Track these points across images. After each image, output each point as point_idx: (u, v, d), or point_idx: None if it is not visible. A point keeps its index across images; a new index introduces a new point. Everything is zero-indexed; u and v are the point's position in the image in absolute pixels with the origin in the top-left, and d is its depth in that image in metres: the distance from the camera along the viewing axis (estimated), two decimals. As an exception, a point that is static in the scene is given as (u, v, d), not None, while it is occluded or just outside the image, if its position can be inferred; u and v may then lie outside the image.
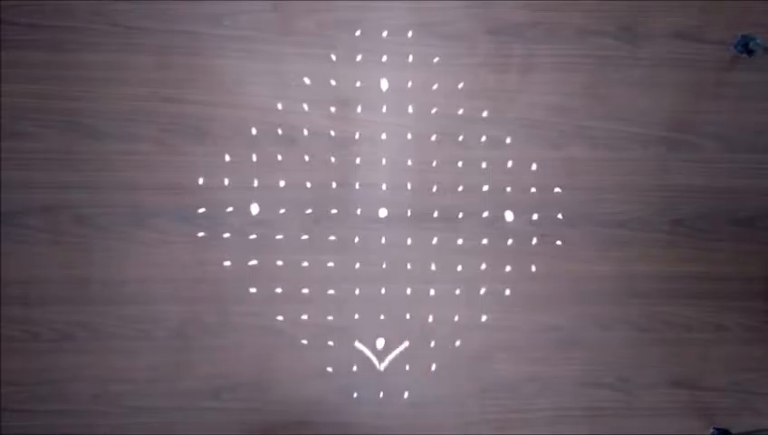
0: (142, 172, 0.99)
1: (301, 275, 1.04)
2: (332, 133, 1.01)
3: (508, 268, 1.06)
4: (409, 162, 1.02)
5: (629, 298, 1.08)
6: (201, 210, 1.01)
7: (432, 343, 1.07)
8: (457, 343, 1.07)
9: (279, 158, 1.00)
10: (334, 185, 1.02)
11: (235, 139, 0.99)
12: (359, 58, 0.99)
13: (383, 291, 1.05)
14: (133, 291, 1.01)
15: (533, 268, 1.06)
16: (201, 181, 1.00)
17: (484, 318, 1.07)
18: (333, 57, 0.98)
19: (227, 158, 1.00)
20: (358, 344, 1.06)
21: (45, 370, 1.03)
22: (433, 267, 1.05)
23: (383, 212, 1.03)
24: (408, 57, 0.99)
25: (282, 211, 1.02)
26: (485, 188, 1.04)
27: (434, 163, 1.02)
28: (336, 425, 1.07)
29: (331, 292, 1.05)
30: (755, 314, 1.10)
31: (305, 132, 1.00)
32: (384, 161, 1.02)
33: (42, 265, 1.00)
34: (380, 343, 1.06)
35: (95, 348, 1.02)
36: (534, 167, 1.04)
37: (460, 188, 1.03)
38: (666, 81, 1.02)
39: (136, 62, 0.96)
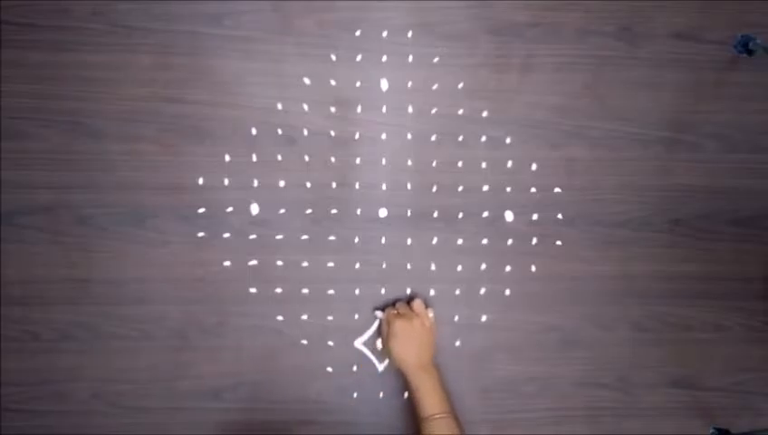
0: (142, 172, 0.99)
1: (301, 275, 1.04)
2: (332, 133, 1.01)
3: (508, 268, 1.06)
4: (409, 162, 1.02)
5: (629, 298, 1.08)
6: (201, 210, 1.01)
7: (432, 343, 1.07)
8: (457, 343, 1.07)
9: (279, 158, 1.00)
10: (334, 185, 1.02)
11: (235, 139, 0.99)
12: (359, 58, 0.99)
13: (383, 291, 1.05)
14: (133, 291, 1.01)
15: (533, 268, 1.06)
16: (201, 181, 1.00)
17: (484, 318, 1.07)
18: (333, 57, 0.98)
19: (227, 158, 1.00)
20: (358, 344, 1.06)
21: (45, 370, 1.03)
22: (433, 267, 1.05)
23: (383, 212, 1.03)
24: (408, 57, 0.99)
25: (282, 211, 1.02)
26: (485, 188, 1.04)
27: (434, 163, 1.02)
28: (336, 425, 1.07)
29: (330, 292, 1.05)
30: (755, 314, 1.10)
31: (305, 132, 1.00)
32: (384, 161, 1.02)
33: (42, 265, 1.00)
34: (380, 343, 1.06)
35: (95, 348, 1.02)
36: (534, 167, 1.04)
37: (460, 188, 1.03)
38: (666, 81, 1.02)
39: (136, 62, 0.96)
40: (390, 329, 0.98)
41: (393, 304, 1.04)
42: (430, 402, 0.93)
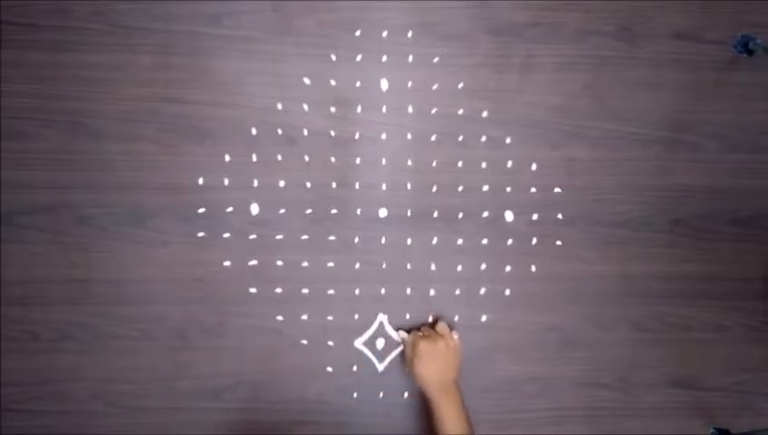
0: (142, 172, 0.99)
1: (301, 275, 1.04)
2: (332, 133, 1.01)
3: (508, 268, 1.06)
4: (409, 162, 1.02)
5: (629, 298, 1.08)
6: (201, 210, 1.01)
7: (432, 343, 1.07)
8: (457, 343, 1.07)
9: (279, 158, 1.00)
10: (334, 185, 1.02)
11: (235, 139, 0.99)
12: (359, 58, 0.99)
13: (383, 291, 1.05)
14: (133, 291, 1.01)
15: (533, 268, 1.06)
16: (201, 181, 1.00)
17: (484, 318, 1.07)
18: (333, 57, 0.98)
19: (227, 158, 1.00)
20: (358, 344, 1.06)
21: (45, 370, 1.03)
22: (433, 267, 1.05)
23: (383, 212, 1.03)
24: (408, 57, 0.99)
25: (282, 211, 1.02)
26: (485, 188, 1.04)
27: (434, 163, 1.02)
28: (336, 425, 1.07)
29: (330, 292, 1.05)
30: (755, 314, 1.10)
31: (305, 132, 1.00)
32: (384, 161, 1.02)
33: (42, 265, 1.00)
34: (380, 343, 1.06)
35: (95, 348, 1.02)
36: (534, 167, 1.04)
37: (460, 188, 1.03)
38: (666, 81, 1.02)
39: (136, 62, 0.96)
40: (415, 350, 0.98)
41: (418, 328, 1.04)
42: (450, 425, 0.93)
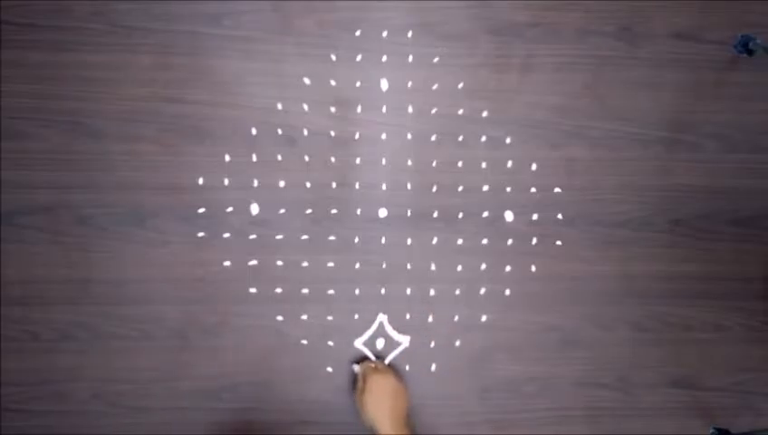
0: (142, 172, 0.99)
1: (301, 275, 1.04)
2: (332, 133, 1.01)
3: (508, 268, 1.06)
4: (409, 162, 1.02)
5: (629, 298, 1.08)
6: (201, 210, 1.01)
7: (432, 343, 1.07)
8: (457, 343, 1.07)
9: (279, 158, 1.00)
10: (334, 185, 1.02)
11: (235, 139, 0.99)
12: (359, 58, 0.99)
13: (383, 291, 1.05)
14: (133, 291, 1.01)
15: (533, 268, 1.06)
16: (201, 181, 1.00)
17: (484, 318, 1.07)
18: (333, 57, 0.98)
19: (227, 158, 1.00)
20: (358, 344, 1.06)
21: (45, 370, 1.03)
22: (433, 267, 1.05)
23: (383, 212, 1.03)
24: (408, 57, 0.99)
25: (282, 211, 1.02)
26: (485, 188, 1.04)
27: (434, 163, 1.02)
28: (336, 425, 1.07)
29: (330, 292, 1.05)
30: (755, 314, 1.10)
31: (305, 132, 1.00)
32: (384, 161, 1.02)
33: (42, 265, 1.00)
34: (380, 343, 1.06)
35: (95, 348, 1.02)
36: (534, 167, 1.04)
37: (460, 188, 1.03)
38: (666, 81, 1.02)
39: (136, 62, 0.96)
40: (366, 383, 0.97)
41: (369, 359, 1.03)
42: None
